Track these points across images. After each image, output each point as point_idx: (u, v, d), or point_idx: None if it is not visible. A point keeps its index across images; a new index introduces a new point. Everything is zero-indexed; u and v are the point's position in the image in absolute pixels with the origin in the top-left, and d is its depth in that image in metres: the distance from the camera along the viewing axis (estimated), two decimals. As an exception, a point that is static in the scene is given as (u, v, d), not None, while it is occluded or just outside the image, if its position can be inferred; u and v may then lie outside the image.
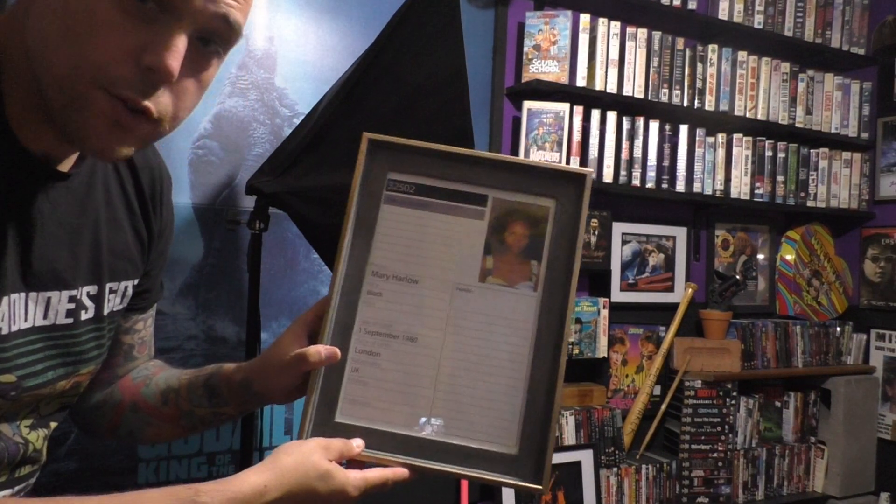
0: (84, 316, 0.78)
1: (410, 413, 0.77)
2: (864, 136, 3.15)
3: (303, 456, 0.70)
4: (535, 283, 0.80)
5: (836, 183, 3.11)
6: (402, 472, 0.75)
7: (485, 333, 0.78)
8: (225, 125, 2.08)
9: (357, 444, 0.74)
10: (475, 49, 2.43)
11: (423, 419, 0.76)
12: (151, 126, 0.64)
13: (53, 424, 0.82)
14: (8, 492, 0.77)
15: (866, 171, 3.18)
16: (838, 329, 3.10)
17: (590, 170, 0.82)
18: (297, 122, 2.09)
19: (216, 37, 0.65)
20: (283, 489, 0.68)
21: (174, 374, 0.93)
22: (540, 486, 0.74)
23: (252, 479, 0.68)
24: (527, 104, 2.48)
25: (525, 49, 2.51)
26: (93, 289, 0.79)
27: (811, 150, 3.06)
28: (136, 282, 0.87)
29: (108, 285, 0.81)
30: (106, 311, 0.81)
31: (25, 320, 0.71)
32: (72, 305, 0.76)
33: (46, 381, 0.75)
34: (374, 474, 0.73)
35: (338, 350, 0.77)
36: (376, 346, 0.78)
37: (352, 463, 0.73)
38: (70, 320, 0.76)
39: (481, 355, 0.78)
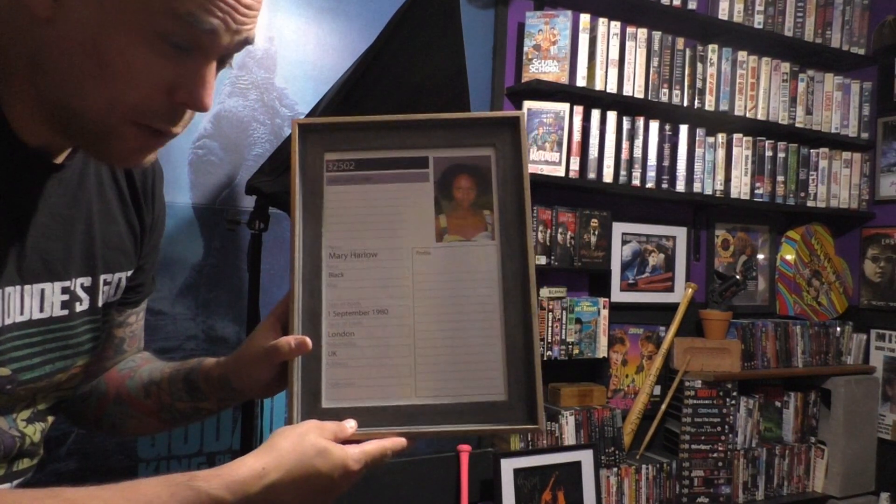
0: (79, 308, 0.78)
1: (395, 384, 0.77)
2: (864, 136, 3.15)
3: (299, 436, 0.70)
4: (492, 231, 0.80)
5: (836, 183, 3.11)
6: (399, 442, 0.74)
7: (452, 291, 0.79)
8: (225, 125, 2.08)
9: (350, 425, 0.74)
10: (475, 49, 2.43)
11: (409, 387, 0.77)
12: (171, 139, 0.69)
13: (51, 419, 0.82)
14: (7, 486, 0.77)
15: (866, 171, 3.18)
16: (838, 329, 3.10)
17: (521, 112, 0.83)
18: (297, 122, 2.09)
19: (229, 59, 0.69)
20: (283, 470, 0.67)
21: (157, 367, 0.94)
22: (536, 426, 0.75)
23: (249, 462, 0.67)
24: (527, 104, 2.47)
25: (525, 49, 2.51)
26: (87, 280, 0.79)
27: (811, 150, 3.06)
28: (129, 273, 0.87)
29: (102, 277, 0.81)
30: (101, 303, 0.82)
31: (21, 313, 0.71)
32: (66, 297, 0.76)
33: (43, 374, 0.75)
34: (373, 446, 0.73)
35: (308, 339, 0.76)
36: (349, 326, 0.78)
37: (348, 443, 0.73)
38: (65, 312, 0.77)
39: (453, 313, 0.78)
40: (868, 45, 3.15)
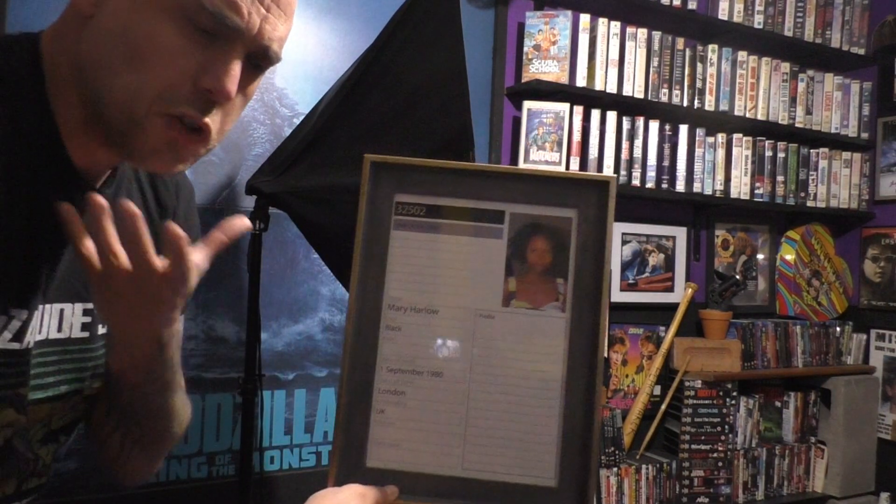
0: (101, 330, 0.78)
1: (442, 453, 0.73)
2: (864, 136, 3.15)
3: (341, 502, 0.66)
4: (563, 302, 0.74)
5: (836, 183, 3.11)
6: None
7: (513, 362, 0.74)
8: (225, 125, 2.08)
9: (391, 491, 0.71)
10: (475, 49, 2.43)
11: (456, 458, 0.73)
12: (204, 142, 0.67)
13: (63, 439, 0.82)
14: None
15: (866, 171, 3.18)
16: (838, 329, 3.10)
17: (613, 175, 0.76)
18: (297, 122, 2.09)
19: (260, 58, 0.68)
20: None
21: None
22: None
23: None
24: (527, 104, 2.48)
25: (525, 49, 2.51)
26: None
27: (811, 150, 3.06)
28: None
29: None
30: None
31: (40, 332, 0.71)
32: (87, 319, 0.76)
33: (57, 394, 0.75)
34: None
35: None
36: (401, 385, 0.74)
37: None
38: (86, 334, 0.76)
39: (511, 385, 0.74)
40: (868, 45, 3.15)
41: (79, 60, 0.64)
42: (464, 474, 0.72)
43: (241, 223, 0.69)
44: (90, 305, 0.76)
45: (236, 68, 0.65)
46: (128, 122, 0.63)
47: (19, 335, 0.67)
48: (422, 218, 0.76)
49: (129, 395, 0.75)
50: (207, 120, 0.65)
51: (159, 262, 0.63)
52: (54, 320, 0.72)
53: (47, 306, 0.71)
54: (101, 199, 0.61)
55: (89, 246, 0.62)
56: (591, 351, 0.73)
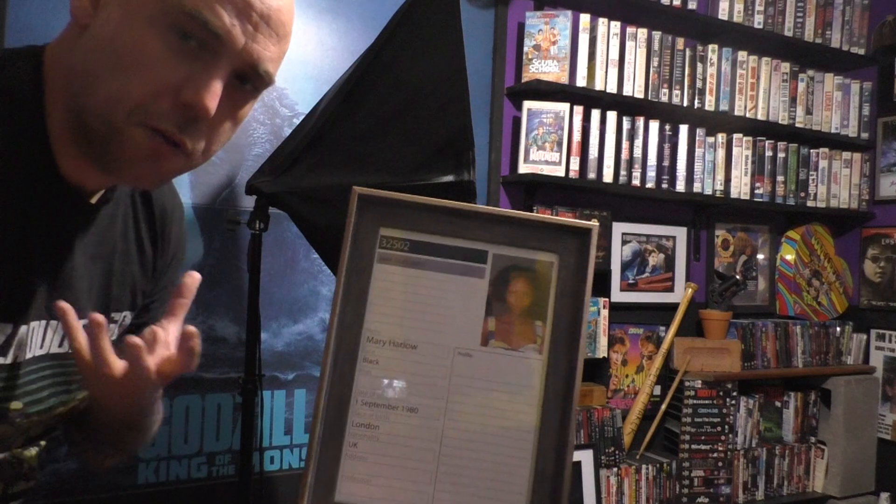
0: None
1: (413, 489, 0.72)
2: (864, 136, 3.15)
3: None
4: (541, 345, 0.75)
5: (836, 183, 3.11)
6: None
7: (488, 401, 0.74)
8: (225, 125, 2.08)
9: None
10: (475, 49, 2.43)
11: (427, 495, 0.72)
12: (185, 158, 0.66)
13: (44, 442, 0.82)
14: None
15: (866, 171, 3.18)
16: (838, 329, 3.10)
17: (595, 224, 0.77)
18: (297, 122, 2.09)
19: (251, 79, 0.67)
20: None
21: None
22: None
23: None
24: (527, 104, 2.47)
25: (525, 49, 2.51)
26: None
27: (811, 150, 3.06)
28: (134, 313, 0.86)
29: (112, 314, 0.81)
30: None
31: (41, 347, 0.71)
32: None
33: (48, 407, 0.75)
34: None
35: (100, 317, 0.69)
36: (374, 419, 0.73)
37: None
38: None
39: (485, 424, 0.74)
40: (868, 45, 3.15)
41: (70, 71, 0.64)
42: None
43: (194, 279, 0.72)
44: (85, 321, 0.75)
45: (217, 84, 0.63)
46: (106, 130, 0.62)
47: (2, 350, 0.67)
48: (406, 253, 0.76)
49: (106, 433, 0.80)
50: (184, 137, 0.64)
51: (117, 368, 0.66)
52: (57, 336, 0.73)
53: (52, 322, 0.71)
54: (99, 318, 0.64)
55: (83, 342, 0.65)
56: (565, 394, 0.73)
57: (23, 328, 0.68)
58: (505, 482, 0.72)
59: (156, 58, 0.61)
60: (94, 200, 0.73)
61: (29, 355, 0.70)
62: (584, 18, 2.52)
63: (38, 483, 0.83)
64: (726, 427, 2.74)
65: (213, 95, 0.63)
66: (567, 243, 0.76)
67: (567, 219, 0.79)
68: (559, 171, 2.45)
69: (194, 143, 0.65)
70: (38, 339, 0.70)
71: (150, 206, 0.84)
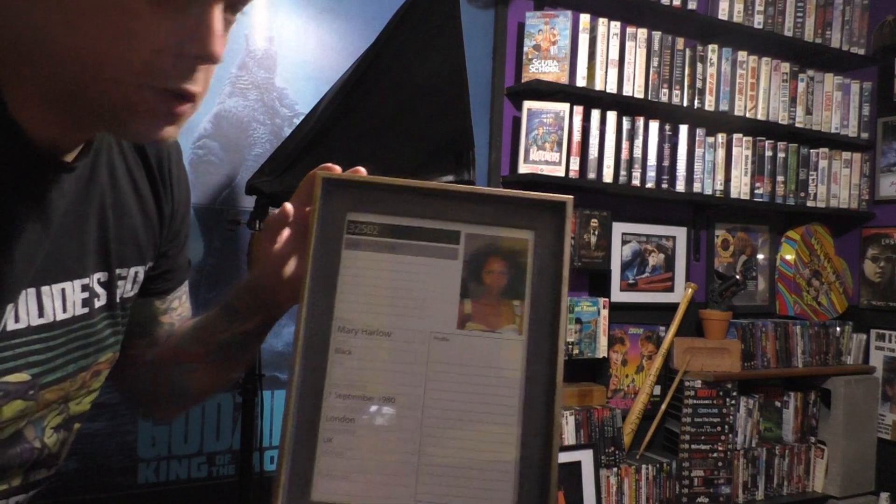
0: (97, 304, 0.77)
1: (394, 483, 0.69)
2: (864, 136, 3.16)
3: None
4: (520, 325, 0.72)
5: (836, 183, 3.11)
6: None
7: (468, 386, 0.71)
8: (225, 125, 2.08)
9: None
10: (475, 49, 2.43)
11: (409, 489, 0.69)
12: (191, 106, 0.64)
13: (77, 426, 0.81)
14: (22, 496, 0.76)
15: (866, 171, 3.18)
16: (838, 329, 3.10)
17: (569, 197, 0.74)
18: (297, 122, 2.09)
19: (240, 4, 0.65)
20: None
21: (198, 316, 0.91)
22: None
23: None
24: (527, 104, 2.48)
25: (525, 49, 2.51)
26: (103, 276, 0.77)
27: (811, 150, 3.07)
28: (147, 266, 0.85)
29: (117, 272, 0.79)
30: (118, 298, 0.80)
31: (41, 316, 0.70)
32: (85, 294, 0.75)
33: (66, 374, 0.74)
34: None
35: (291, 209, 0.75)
36: (350, 412, 0.69)
37: None
38: (86, 310, 0.75)
39: (466, 411, 0.70)
40: (868, 45, 3.15)
41: (41, 41, 0.60)
42: None
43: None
44: (87, 281, 0.75)
45: (218, 23, 0.60)
46: (116, 101, 0.60)
47: None
48: (375, 237, 0.73)
49: (263, 314, 0.83)
50: (195, 88, 0.62)
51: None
52: (58, 302, 0.71)
53: (44, 288, 0.70)
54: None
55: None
56: (549, 374, 0.70)
57: (9, 303, 0.66)
58: (490, 471, 0.69)
59: (153, 18, 0.58)
60: (70, 158, 0.70)
61: (19, 326, 0.68)
62: (584, 18, 2.52)
63: (57, 472, 0.82)
64: (726, 427, 2.74)
65: (220, 41, 0.61)
66: (542, 219, 0.73)
67: (540, 193, 0.76)
68: (559, 171, 2.45)
69: (202, 89, 0.64)
70: (32, 307, 0.69)
71: (142, 151, 0.82)
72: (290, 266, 0.78)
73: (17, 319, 0.68)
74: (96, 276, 0.76)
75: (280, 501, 0.67)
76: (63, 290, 0.72)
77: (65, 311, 0.72)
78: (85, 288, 0.75)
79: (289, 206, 0.75)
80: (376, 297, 0.72)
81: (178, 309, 0.96)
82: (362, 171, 0.75)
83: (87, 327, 0.76)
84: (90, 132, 0.70)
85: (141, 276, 0.84)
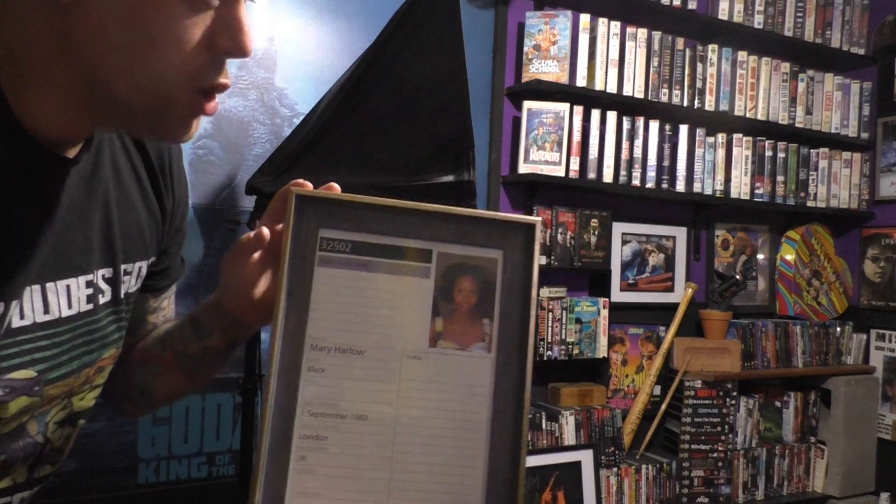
0: (102, 300, 0.77)
1: (367, 500, 0.70)
2: (864, 136, 3.16)
3: None
4: (489, 343, 0.73)
5: (836, 183, 3.11)
6: None
7: (439, 403, 0.72)
8: (225, 125, 2.08)
9: None
10: (475, 49, 2.43)
11: None
12: (217, 101, 0.66)
13: (82, 422, 0.82)
14: (27, 493, 0.76)
15: (866, 171, 3.18)
16: (838, 329, 3.10)
17: (538, 218, 0.75)
18: (297, 122, 2.09)
19: None
20: None
21: (171, 320, 0.92)
22: None
23: None
24: (527, 104, 2.48)
25: (525, 49, 2.51)
26: (108, 271, 0.78)
27: (811, 150, 3.07)
28: (150, 261, 0.85)
29: (123, 267, 0.80)
30: (122, 294, 0.80)
31: (46, 312, 0.70)
32: (90, 291, 0.75)
33: (71, 370, 0.74)
34: None
35: (266, 230, 0.75)
36: (323, 430, 0.70)
37: None
38: (90, 306, 0.75)
39: (437, 428, 0.71)
40: (868, 45, 3.15)
41: (69, 46, 0.61)
42: None
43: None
44: (91, 277, 0.75)
45: (246, 18, 0.62)
46: (157, 104, 0.62)
47: None
48: (347, 254, 0.73)
49: (228, 333, 0.84)
50: (227, 81, 0.65)
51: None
52: (62, 298, 0.71)
53: (48, 285, 0.70)
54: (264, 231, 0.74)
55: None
56: (517, 392, 0.72)
57: (14, 300, 0.66)
58: (459, 486, 0.71)
59: (189, 22, 0.59)
60: (72, 154, 0.70)
61: (25, 322, 0.68)
62: (584, 18, 2.52)
63: (60, 469, 0.82)
64: (726, 427, 2.74)
65: (249, 34, 0.63)
66: (512, 239, 0.75)
67: (510, 214, 0.78)
68: (559, 171, 2.45)
69: (229, 81, 0.66)
70: (37, 304, 0.69)
71: (143, 147, 0.83)
72: (261, 288, 0.78)
73: (22, 316, 0.68)
74: (101, 272, 0.76)
75: None
76: (68, 286, 0.72)
77: (70, 307, 0.72)
78: (89, 284, 0.75)
79: (265, 231, 0.76)
80: (349, 315, 0.72)
81: (165, 310, 0.97)
82: (336, 187, 0.75)
83: (91, 323, 0.76)
84: (102, 129, 0.71)
85: (144, 271, 0.85)
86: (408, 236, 0.74)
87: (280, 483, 0.69)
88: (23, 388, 0.69)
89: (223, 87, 0.65)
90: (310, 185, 0.75)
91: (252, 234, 0.75)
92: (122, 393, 0.92)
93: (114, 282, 0.79)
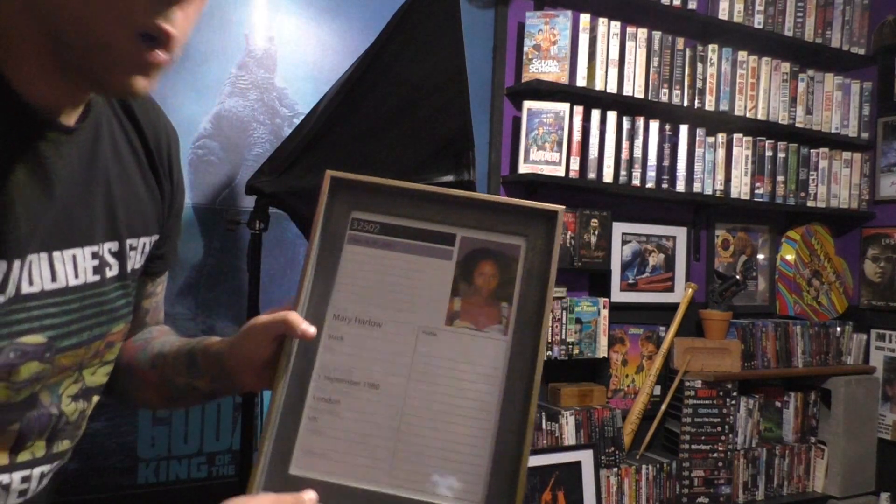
0: (109, 273, 0.78)
1: (370, 466, 0.71)
2: (864, 136, 3.16)
3: None
4: (506, 326, 0.75)
5: (837, 183, 3.11)
6: None
7: (451, 380, 0.73)
8: (225, 125, 2.08)
9: (309, 498, 0.68)
10: (475, 49, 2.43)
11: (384, 472, 0.71)
12: (167, 53, 0.65)
13: (96, 398, 0.82)
14: (47, 466, 0.76)
15: (866, 171, 3.18)
16: (838, 329, 3.10)
17: (561, 207, 0.77)
18: (297, 122, 2.09)
19: None
20: None
21: (169, 341, 0.92)
22: None
23: None
24: (527, 104, 2.48)
25: (525, 49, 2.51)
26: (114, 245, 0.79)
27: (811, 150, 3.07)
28: (154, 239, 0.87)
29: (128, 242, 0.81)
30: (129, 269, 0.82)
31: (53, 280, 0.71)
32: (96, 262, 0.76)
33: (81, 341, 0.75)
34: None
35: (313, 329, 0.74)
36: (336, 394, 0.73)
37: None
38: (97, 278, 0.76)
39: (447, 403, 0.73)
40: (868, 45, 3.15)
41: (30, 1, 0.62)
42: (390, 490, 0.70)
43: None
44: (96, 248, 0.76)
45: None
46: (91, 42, 0.61)
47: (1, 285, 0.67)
48: (375, 235, 0.78)
49: (219, 384, 0.84)
50: (171, 28, 0.62)
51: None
52: (69, 267, 0.72)
53: (55, 253, 0.71)
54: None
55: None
56: (529, 375, 0.73)
57: (16, 262, 0.67)
58: (464, 463, 0.72)
59: None
60: (71, 123, 0.71)
61: (33, 289, 0.69)
62: (584, 18, 2.52)
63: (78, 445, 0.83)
64: (726, 427, 2.74)
65: None
66: (535, 227, 0.77)
67: (534, 202, 0.78)
68: (559, 171, 2.45)
69: (179, 33, 0.64)
70: (45, 271, 0.70)
71: (139, 126, 0.84)
72: (268, 359, 0.77)
73: (31, 283, 0.69)
74: (107, 245, 0.78)
75: (260, 472, 0.70)
76: (74, 256, 0.73)
77: (76, 276, 0.73)
78: (95, 255, 0.76)
79: (311, 331, 0.75)
80: (372, 290, 0.76)
81: (158, 295, 0.98)
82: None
83: (99, 295, 0.77)
84: (81, 91, 0.71)
85: (148, 249, 0.86)
86: (434, 220, 0.78)
87: (290, 439, 0.72)
88: (34, 352, 0.69)
89: (167, 35, 0.62)
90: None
91: (298, 329, 0.74)
92: (106, 387, 0.93)
93: (120, 255, 0.80)
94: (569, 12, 2.50)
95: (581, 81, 2.51)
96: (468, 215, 0.78)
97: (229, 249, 2.08)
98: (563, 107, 2.46)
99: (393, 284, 0.76)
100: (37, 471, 0.75)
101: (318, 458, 0.72)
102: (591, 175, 2.53)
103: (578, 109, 2.50)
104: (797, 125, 2.99)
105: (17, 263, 0.67)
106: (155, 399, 0.92)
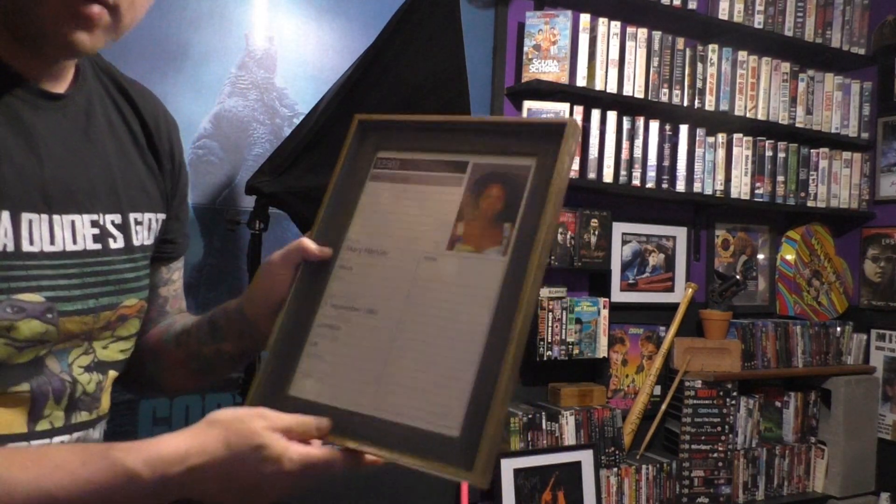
0: (114, 245, 0.79)
1: (356, 389, 0.70)
2: (865, 136, 3.15)
3: (234, 421, 0.64)
4: (506, 247, 0.71)
5: (837, 183, 3.11)
6: (350, 458, 0.67)
7: (447, 304, 0.71)
8: (225, 125, 2.08)
9: (322, 425, 0.67)
10: (475, 49, 2.43)
11: (368, 395, 0.70)
12: (109, 11, 0.67)
13: (112, 373, 0.82)
14: (66, 437, 0.77)
15: (866, 171, 3.18)
16: (838, 329, 3.10)
17: (572, 119, 0.74)
18: (297, 122, 2.09)
19: None
20: (206, 455, 0.62)
21: (191, 318, 0.93)
22: (471, 474, 0.62)
23: (175, 442, 0.63)
24: (527, 104, 2.47)
25: (525, 49, 2.51)
26: (116, 217, 0.80)
27: (811, 150, 3.06)
28: (161, 217, 0.87)
29: (131, 216, 0.82)
30: (136, 242, 0.82)
31: (52, 243, 0.72)
32: (96, 231, 0.77)
33: (87, 308, 0.75)
34: (320, 453, 0.65)
35: (329, 249, 0.77)
36: (337, 320, 0.74)
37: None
38: (98, 246, 0.77)
39: (437, 327, 0.70)
40: (868, 45, 3.15)
41: None
42: (371, 412, 0.69)
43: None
44: (96, 217, 0.77)
45: None
46: (31, 2, 0.63)
47: None
48: (395, 170, 0.80)
49: (245, 341, 0.85)
50: None
51: None
52: (67, 232, 0.73)
53: (55, 217, 0.72)
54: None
55: None
56: (518, 297, 0.68)
57: (5, 213, 0.68)
58: (447, 387, 0.68)
59: None
60: (56, 91, 0.74)
61: (32, 249, 0.70)
62: (584, 18, 2.52)
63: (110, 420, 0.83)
64: (726, 427, 2.74)
65: None
66: (545, 145, 0.74)
67: (542, 119, 0.79)
68: (559, 171, 2.45)
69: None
70: (44, 233, 0.71)
71: (137, 108, 0.85)
72: (283, 298, 0.78)
73: (31, 242, 0.70)
74: (109, 217, 0.79)
75: (253, 392, 0.72)
76: (73, 221, 0.74)
77: (75, 242, 0.74)
78: (95, 224, 0.77)
79: (328, 251, 0.77)
80: (385, 222, 0.78)
81: (175, 283, 0.99)
82: None
83: (102, 264, 0.77)
84: (46, 56, 0.73)
85: (156, 225, 0.87)
86: (448, 151, 0.78)
87: (290, 363, 0.74)
88: (32, 311, 0.70)
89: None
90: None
91: (313, 248, 0.76)
92: (132, 375, 0.94)
93: (124, 228, 0.81)
94: (569, 12, 2.50)
95: (581, 81, 2.51)
96: (480, 141, 0.77)
97: (229, 249, 2.08)
98: (563, 107, 2.46)
99: (404, 215, 0.77)
100: (56, 440, 0.75)
101: (314, 382, 0.73)
102: (591, 175, 2.53)
103: (578, 109, 2.50)
104: (797, 125, 2.99)
105: (5, 215, 0.68)
106: (184, 377, 0.92)
